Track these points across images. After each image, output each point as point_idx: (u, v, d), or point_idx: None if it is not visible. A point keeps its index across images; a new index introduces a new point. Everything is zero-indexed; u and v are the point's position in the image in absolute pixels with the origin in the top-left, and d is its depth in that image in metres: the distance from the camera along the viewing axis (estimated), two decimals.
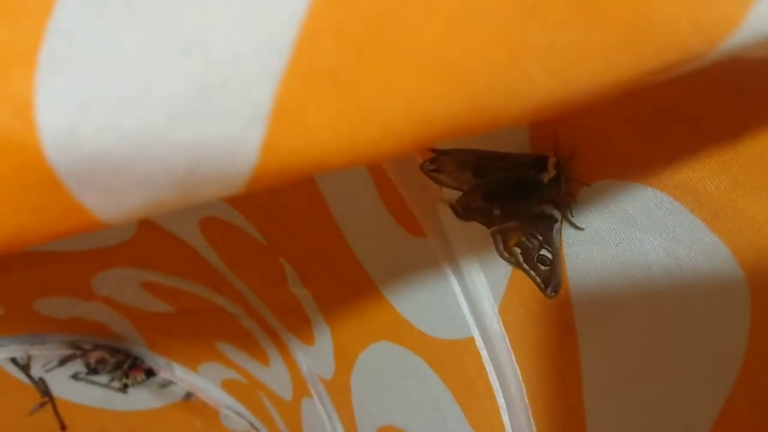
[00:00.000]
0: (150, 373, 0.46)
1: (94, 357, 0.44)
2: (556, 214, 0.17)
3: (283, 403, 0.40)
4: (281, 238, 0.28)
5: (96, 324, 0.42)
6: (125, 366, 0.45)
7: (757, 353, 0.14)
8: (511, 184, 0.18)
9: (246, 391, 0.44)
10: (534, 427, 0.21)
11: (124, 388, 0.45)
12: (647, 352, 0.17)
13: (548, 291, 0.18)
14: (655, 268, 0.16)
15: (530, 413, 0.21)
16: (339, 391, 0.32)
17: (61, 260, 0.34)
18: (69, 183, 0.08)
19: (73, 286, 0.37)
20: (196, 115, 0.08)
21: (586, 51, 0.08)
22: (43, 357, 0.43)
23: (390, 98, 0.08)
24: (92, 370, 0.45)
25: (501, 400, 0.22)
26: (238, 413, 0.46)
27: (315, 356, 0.33)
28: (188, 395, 0.47)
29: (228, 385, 0.45)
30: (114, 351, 0.45)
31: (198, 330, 0.41)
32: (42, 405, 0.44)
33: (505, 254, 0.19)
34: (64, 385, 0.44)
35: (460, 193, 0.19)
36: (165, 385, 0.47)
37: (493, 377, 0.22)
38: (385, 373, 0.28)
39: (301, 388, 0.36)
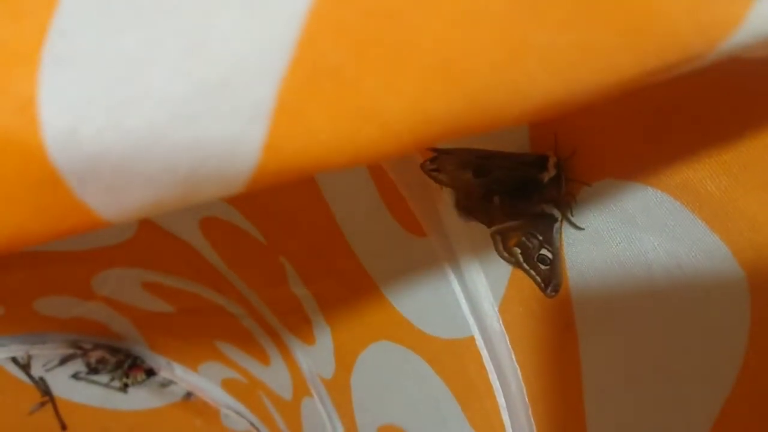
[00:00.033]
0: (150, 372, 0.46)
1: (94, 356, 0.44)
2: (557, 213, 0.17)
3: (283, 403, 0.40)
4: (281, 238, 0.28)
5: (96, 323, 0.42)
6: (125, 365, 0.45)
7: (757, 353, 0.14)
8: (512, 184, 0.18)
9: (246, 391, 0.44)
10: (534, 427, 0.21)
11: (124, 388, 0.45)
12: (647, 351, 0.17)
13: (548, 291, 0.18)
14: (655, 267, 0.16)
15: (530, 413, 0.21)
16: (339, 390, 0.32)
17: (61, 260, 0.34)
18: (70, 182, 0.08)
19: (74, 285, 0.37)
20: (197, 114, 0.08)
21: (587, 51, 0.08)
22: (44, 356, 0.43)
23: (390, 98, 0.08)
24: (92, 370, 0.45)
25: (501, 400, 0.22)
26: (238, 413, 0.46)
27: (315, 356, 0.33)
28: (188, 395, 0.47)
29: (228, 385, 0.45)
30: (114, 350, 0.45)
31: (198, 330, 0.41)
32: (42, 404, 0.44)
33: (505, 254, 0.19)
34: (65, 384, 0.44)
35: (461, 193, 0.19)
36: (165, 384, 0.47)
37: (493, 377, 0.22)
38: (386, 373, 0.28)
39: (301, 388, 0.36)
